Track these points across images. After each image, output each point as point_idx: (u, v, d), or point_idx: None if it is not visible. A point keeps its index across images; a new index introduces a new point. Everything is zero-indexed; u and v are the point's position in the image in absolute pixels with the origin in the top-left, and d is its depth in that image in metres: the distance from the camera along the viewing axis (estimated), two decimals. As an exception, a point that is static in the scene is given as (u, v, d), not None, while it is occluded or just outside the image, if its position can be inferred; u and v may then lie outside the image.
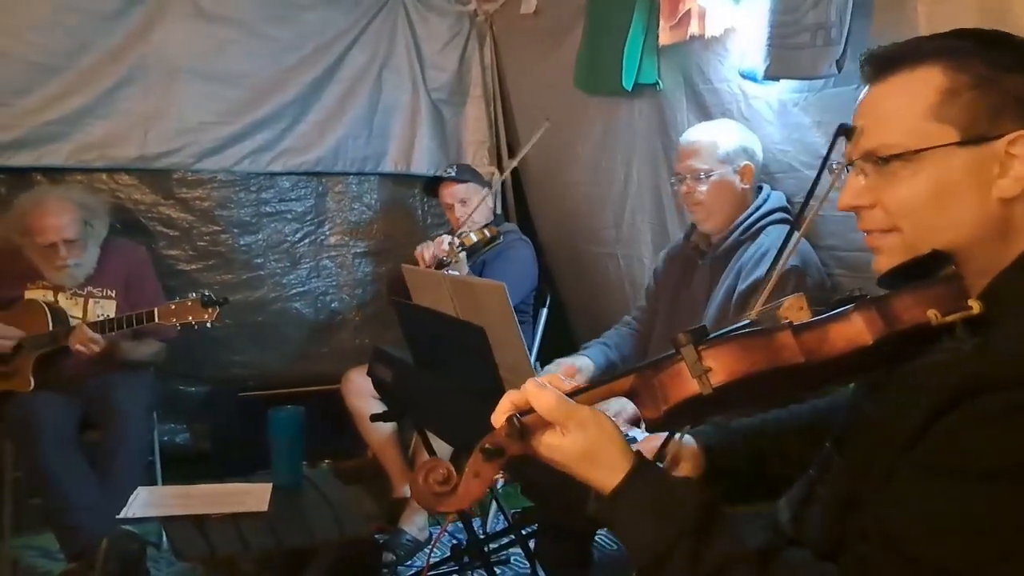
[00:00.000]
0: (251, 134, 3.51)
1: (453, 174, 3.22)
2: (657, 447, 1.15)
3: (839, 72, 1.94)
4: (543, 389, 0.91)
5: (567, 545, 2.08)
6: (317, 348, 3.76)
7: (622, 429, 1.90)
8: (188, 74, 3.39)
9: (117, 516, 2.07)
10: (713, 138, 2.18)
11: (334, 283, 3.81)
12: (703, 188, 2.15)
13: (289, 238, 3.72)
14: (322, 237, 3.79)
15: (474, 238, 2.97)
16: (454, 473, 0.92)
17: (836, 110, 2.04)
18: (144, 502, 2.10)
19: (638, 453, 0.93)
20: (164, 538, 2.65)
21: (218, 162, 3.49)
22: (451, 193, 3.19)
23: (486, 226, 3.10)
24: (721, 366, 0.88)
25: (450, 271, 2.78)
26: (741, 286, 2.03)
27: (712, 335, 0.91)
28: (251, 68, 3.48)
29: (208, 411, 3.45)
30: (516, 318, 2.10)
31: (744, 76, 2.29)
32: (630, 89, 2.71)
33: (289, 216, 3.72)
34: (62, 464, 2.51)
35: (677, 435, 1.14)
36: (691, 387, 0.89)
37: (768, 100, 2.28)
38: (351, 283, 3.84)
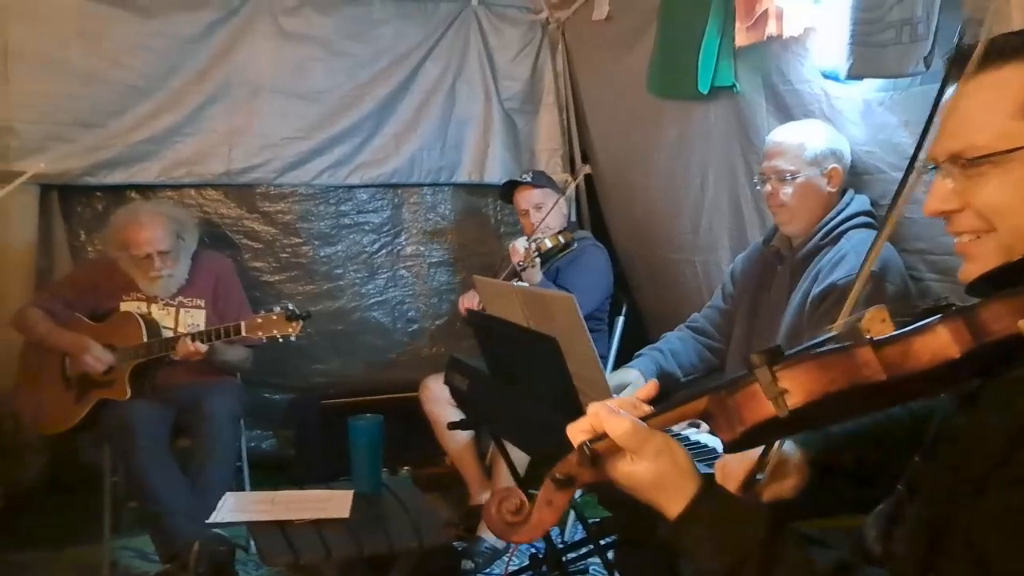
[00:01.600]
0: (330, 148, 3.60)
1: (529, 179, 3.23)
2: (752, 461, 1.13)
3: (927, 69, 1.86)
4: (617, 416, 0.90)
5: (648, 558, 2.05)
6: (395, 356, 3.83)
7: (688, 434, 1.87)
8: (270, 92, 3.50)
9: (207, 520, 2.15)
10: (801, 139, 2.10)
11: (411, 292, 3.87)
12: (788, 190, 2.08)
13: (367, 249, 3.80)
14: (399, 247, 3.86)
15: (549, 244, 2.98)
16: (527, 503, 0.92)
17: (924, 109, 1.93)
18: (232, 507, 2.17)
19: (705, 477, 0.92)
20: (251, 541, 2.74)
21: (299, 176, 3.59)
22: (527, 198, 3.20)
23: (561, 232, 3.10)
24: (798, 387, 0.85)
25: (522, 279, 2.79)
26: (815, 290, 1.97)
27: (788, 353, 0.88)
28: (329, 84, 3.58)
29: (292, 418, 3.55)
30: (587, 328, 2.09)
31: (826, 76, 2.22)
32: (706, 92, 2.66)
33: (367, 227, 3.80)
34: (156, 469, 2.62)
35: (776, 445, 1.11)
36: (767, 409, 0.87)
37: (852, 100, 2.20)
38: (427, 292, 3.89)
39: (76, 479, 3.23)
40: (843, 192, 2.13)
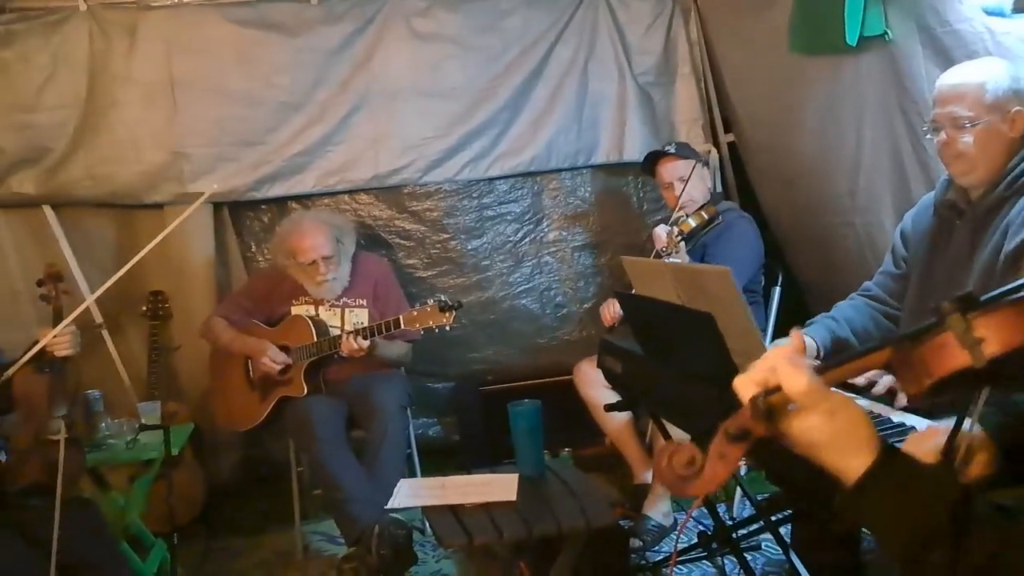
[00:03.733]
0: (469, 143, 3.69)
1: (673, 150, 3.16)
2: (942, 442, 1.07)
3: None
4: (796, 369, 0.86)
5: (826, 533, 1.99)
6: (547, 341, 3.89)
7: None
8: (408, 94, 3.63)
9: (385, 506, 2.28)
10: (980, 80, 1.87)
11: (556, 278, 3.91)
12: (967, 138, 1.88)
13: (511, 238, 3.87)
14: (541, 234, 3.90)
15: (692, 223, 2.90)
16: (699, 456, 0.90)
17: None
18: (407, 493, 2.29)
19: (883, 441, 0.87)
20: (426, 524, 2.88)
21: (442, 173, 3.70)
22: (670, 170, 3.12)
23: (703, 207, 3.02)
24: (995, 335, 0.80)
25: (670, 260, 2.75)
26: (1008, 246, 1.80)
27: (983, 299, 0.83)
28: (463, 80, 3.66)
29: (454, 405, 3.69)
30: (745, 301, 2.04)
31: (989, 12, 2.05)
32: (854, 44, 2.52)
33: (509, 217, 3.87)
34: (336, 459, 2.80)
35: (966, 425, 1.05)
36: (960, 359, 0.81)
37: (1020, 36, 2.02)
38: (572, 276, 3.92)
39: (266, 472, 3.52)
40: None
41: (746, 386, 0.90)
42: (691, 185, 3.02)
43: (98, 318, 3.51)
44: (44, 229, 3.48)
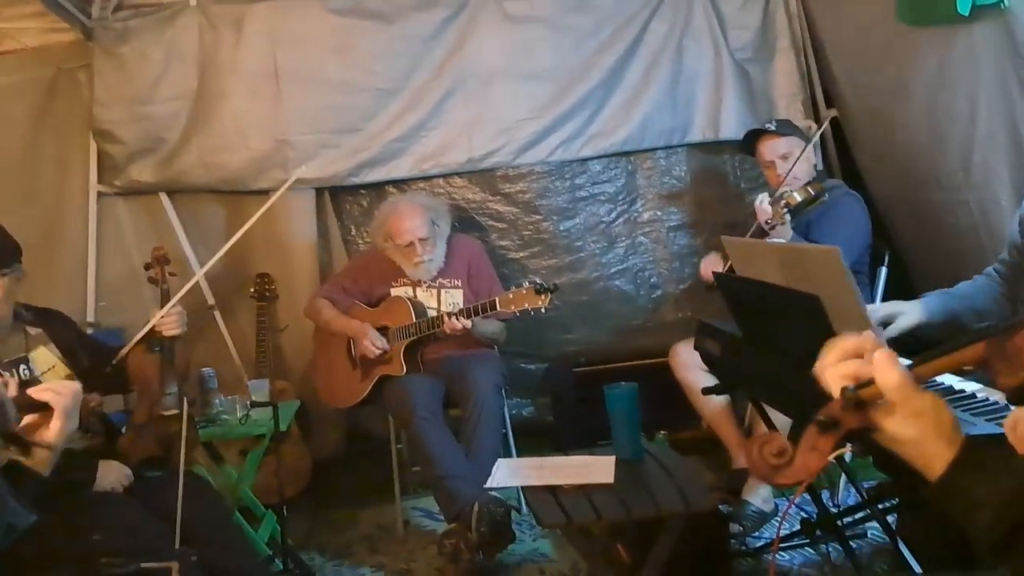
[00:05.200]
0: (561, 124, 3.68)
1: (773, 127, 3.08)
2: None
3: None
4: (891, 365, 0.87)
5: (936, 523, 1.92)
6: (641, 323, 3.86)
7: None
8: (501, 77, 3.65)
9: (484, 485, 2.33)
10: None
11: (651, 259, 3.87)
12: None
13: (604, 219, 3.86)
14: (635, 214, 3.87)
15: (798, 197, 2.81)
16: (789, 446, 0.92)
17: None
18: (506, 472, 2.34)
19: (966, 439, 0.88)
20: (523, 503, 2.93)
21: (534, 155, 3.71)
22: (771, 148, 3.04)
23: (809, 183, 2.92)
24: None
25: (773, 237, 2.68)
26: None
27: None
28: (556, 61, 3.66)
29: (548, 386, 3.72)
30: (855, 282, 1.98)
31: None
32: (967, 14, 2.39)
33: (602, 198, 3.85)
34: (434, 436, 2.87)
35: None
36: None
37: None
38: (668, 257, 3.87)
39: (367, 447, 3.65)
40: None
41: (836, 377, 0.91)
42: (793, 161, 2.94)
43: (210, 299, 3.71)
44: (160, 215, 3.69)
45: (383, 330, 3.19)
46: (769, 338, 2.08)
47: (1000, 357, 0.86)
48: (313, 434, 3.66)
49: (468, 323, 2.98)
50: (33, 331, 2.33)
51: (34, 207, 3.57)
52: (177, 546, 2.01)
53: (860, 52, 3.24)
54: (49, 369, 2.30)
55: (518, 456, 3.20)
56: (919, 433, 0.87)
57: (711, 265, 3.04)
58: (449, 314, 3.03)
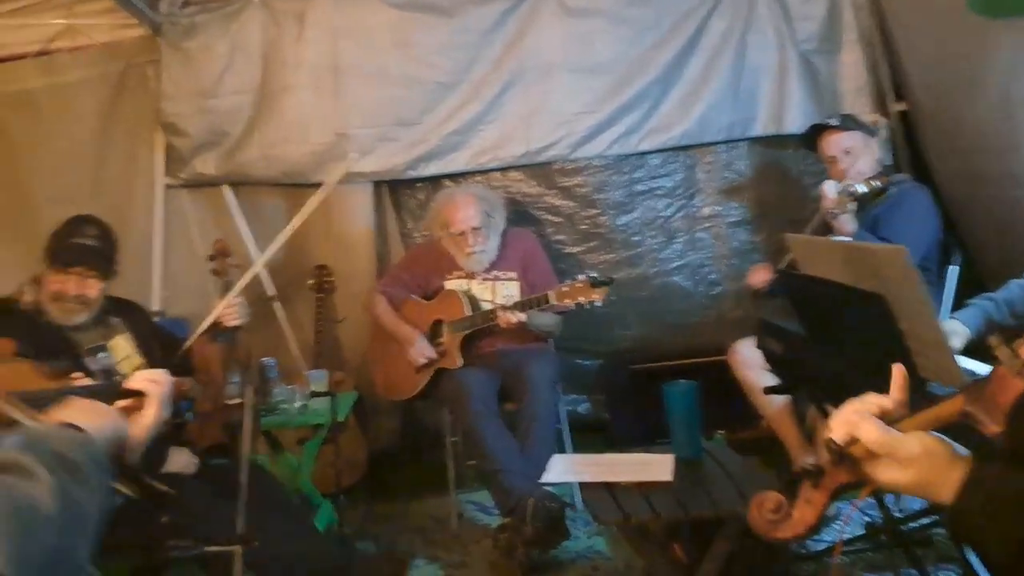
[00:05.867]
0: (619, 118, 3.64)
1: (836, 122, 3.00)
2: None
3: None
4: (865, 421, 0.92)
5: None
6: (700, 320, 3.80)
7: None
8: (559, 70, 3.62)
9: (539, 480, 2.33)
10: None
11: (710, 255, 3.81)
12: None
13: (662, 214, 3.81)
14: (694, 210, 3.81)
15: (863, 188, 2.75)
16: (784, 502, 1.01)
17: None
18: (561, 468, 2.34)
19: (971, 462, 0.90)
20: (577, 500, 2.92)
21: (592, 149, 3.68)
22: (834, 143, 2.96)
23: (875, 176, 2.85)
24: None
25: (832, 229, 2.62)
26: None
27: None
28: (615, 54, 3.61)
29: (603, 383, 3.70)
30: (923, 281, 1.92)
31: None
32: (1048, 2, 2.29)
33: (660, 192, 3.80)
34: (489, 430, 2.87)
35: None
36: (1016, 386, 0.86)
37: None
38: (727, 254, 3.81)
39: (423, 440, 3.68)
40: None
41: (832, 431, 0.96)
42: (858, 156, 2.87)
43: (270, 290, 3.78)
44: (223, 207, 3.77)
45: (437, 323, 3.21)
46: (834, 337, 2.04)
47: (980, 408, 0.90)
48: (369, 426, 3.70)
49: (523, 316, 2.98)
50: (113, 320, 2.42)
51: (103, 199, 3.66)
52: (240, 531, 2.06)
53: (931, 44, 3.14)
54: (125, 358, 2.38)
55: (573, 452, 3.19)
56: (916, 476, 0.91)
57: (760, 275, 3.01)
58: (504, 307, 3.03)
